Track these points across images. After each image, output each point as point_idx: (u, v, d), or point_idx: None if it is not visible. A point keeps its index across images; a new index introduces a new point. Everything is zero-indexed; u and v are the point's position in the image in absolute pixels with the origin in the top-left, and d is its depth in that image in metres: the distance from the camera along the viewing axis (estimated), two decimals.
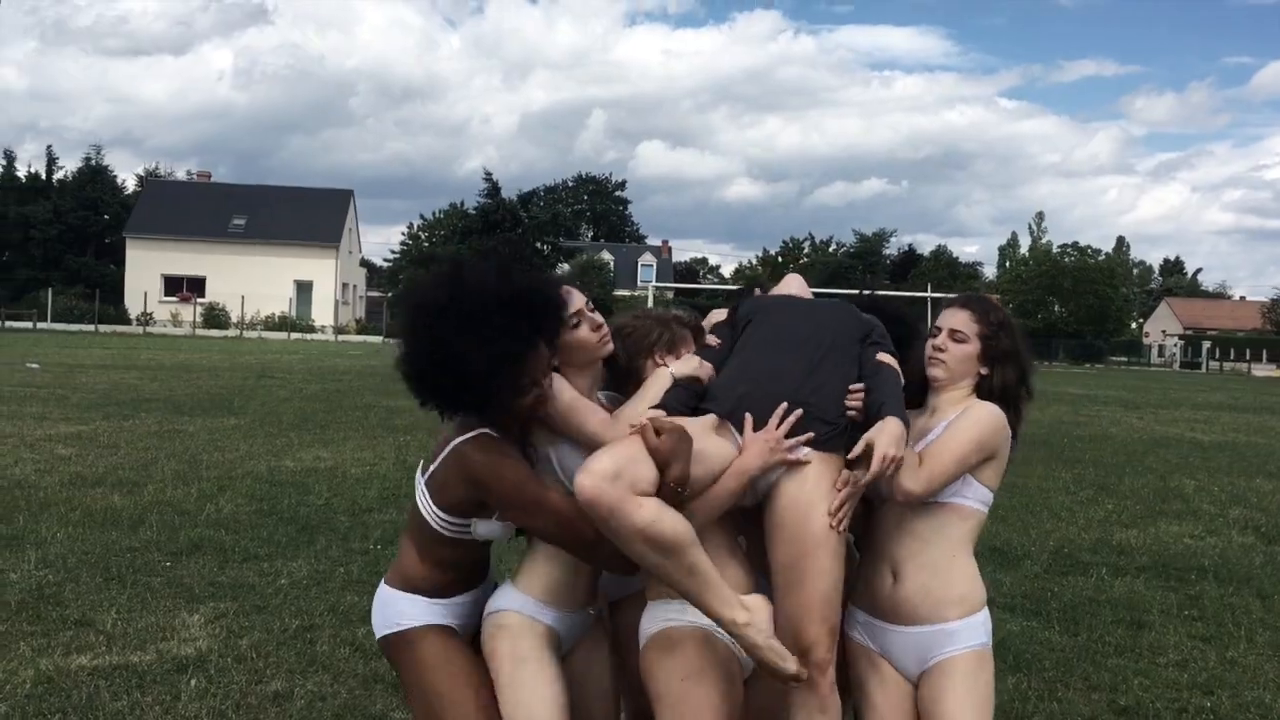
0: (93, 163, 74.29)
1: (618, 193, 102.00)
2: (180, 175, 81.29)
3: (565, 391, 2.88)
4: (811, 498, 2.71)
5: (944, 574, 2.90)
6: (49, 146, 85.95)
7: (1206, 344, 79.88)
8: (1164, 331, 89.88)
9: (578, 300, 2.95)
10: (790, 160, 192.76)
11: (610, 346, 3.01)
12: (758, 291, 3.39)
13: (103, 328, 55.72)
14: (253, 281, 63.72)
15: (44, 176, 73.36)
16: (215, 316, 62.81)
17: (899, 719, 2.92)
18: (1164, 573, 7.88)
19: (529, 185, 69.53)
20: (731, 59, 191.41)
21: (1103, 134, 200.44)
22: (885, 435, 2.69)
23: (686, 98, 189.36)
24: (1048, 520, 9.82)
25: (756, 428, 2.77)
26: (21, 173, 73.13)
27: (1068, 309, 78.94)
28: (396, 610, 2.96)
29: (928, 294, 39.67)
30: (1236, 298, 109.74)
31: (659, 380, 2.93)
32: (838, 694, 2.75)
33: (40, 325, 54.80)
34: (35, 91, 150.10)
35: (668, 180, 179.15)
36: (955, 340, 2.98)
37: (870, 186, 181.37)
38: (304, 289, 66.82)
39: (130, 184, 77.28)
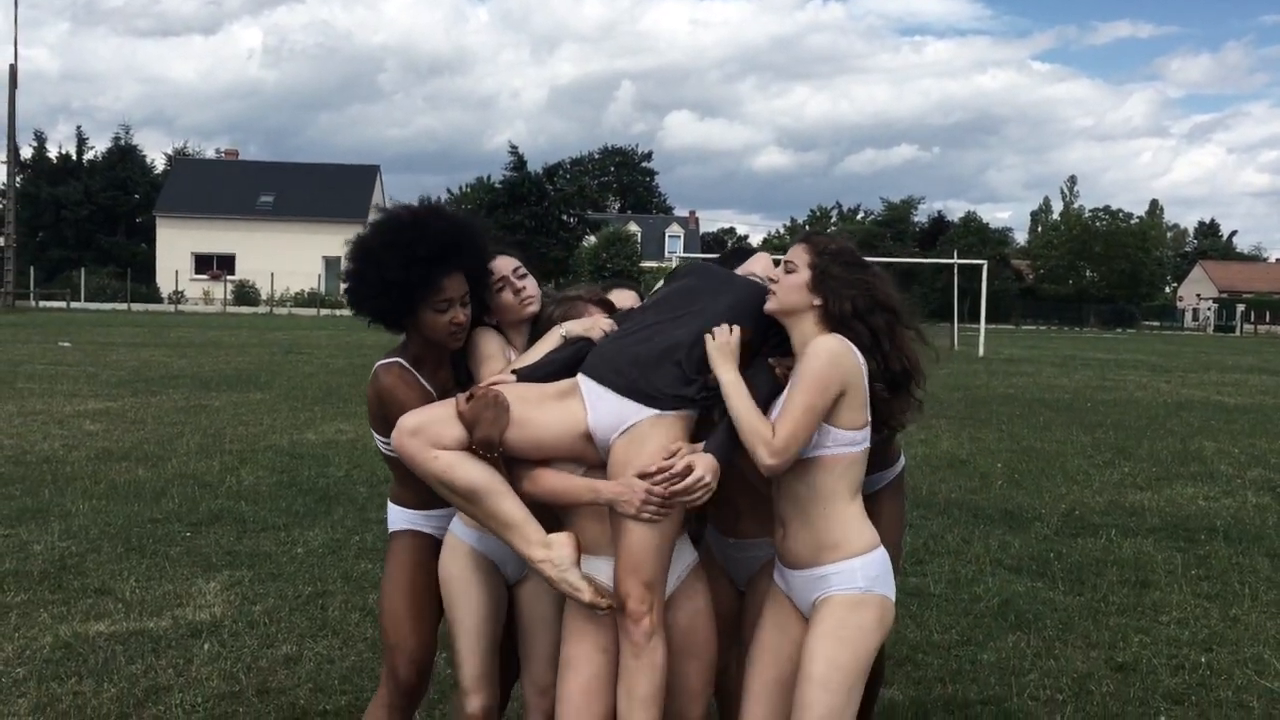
0: (122, 143, 74.89)
1: (644, 164, 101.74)
2: (209, 154, 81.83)
3: (487, 345, 3.25)
4: (632, 460, 2.83)
5: (819, 525, 2.91)
6: (79, 127, 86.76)
7: (1241, 307, 78.98)
8: (1198, 295, 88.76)
9: (506, 266, 3.35)
10: (819, 129, 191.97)
11: (533, 308, 3.37)
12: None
13: (135, 306, 56.35)
14: (281, 258, 64.14)
15: (74, 157, 74.00)
16: (246, 294, 63.31)
17: (776, 638, 3.02)
18: (1174, 534, 7.89)
19: (558, 159, 69.41)
20: (760, 27, 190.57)
21: (1137, 96, 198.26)
22: (701, 462, 2.82)
23: (714, 68, 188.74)
24: (1062, 484, 9.84)
25: (605, 379, 2.90)
26: (52, 154, 73.82)
27: (1099, 274, 78.17)
28: (389, 517, 3.45)
29: (954, 260, 39.35)
30: (1272, 260, 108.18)
31: (547, 340, 3.15)
32: (659, 643, 2.86)
33: (74, 305, 55.44)
34: (67, 73, 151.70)
35: (696, 151, 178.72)
36: (787, 271, 2.96)
37: (900, 153, 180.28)
38: (332, 265, 67.00)
39: (159, 163, 77.88)
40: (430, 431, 2.84)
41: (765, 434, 2.80)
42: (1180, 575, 6.75)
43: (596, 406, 2.88)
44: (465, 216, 3.33)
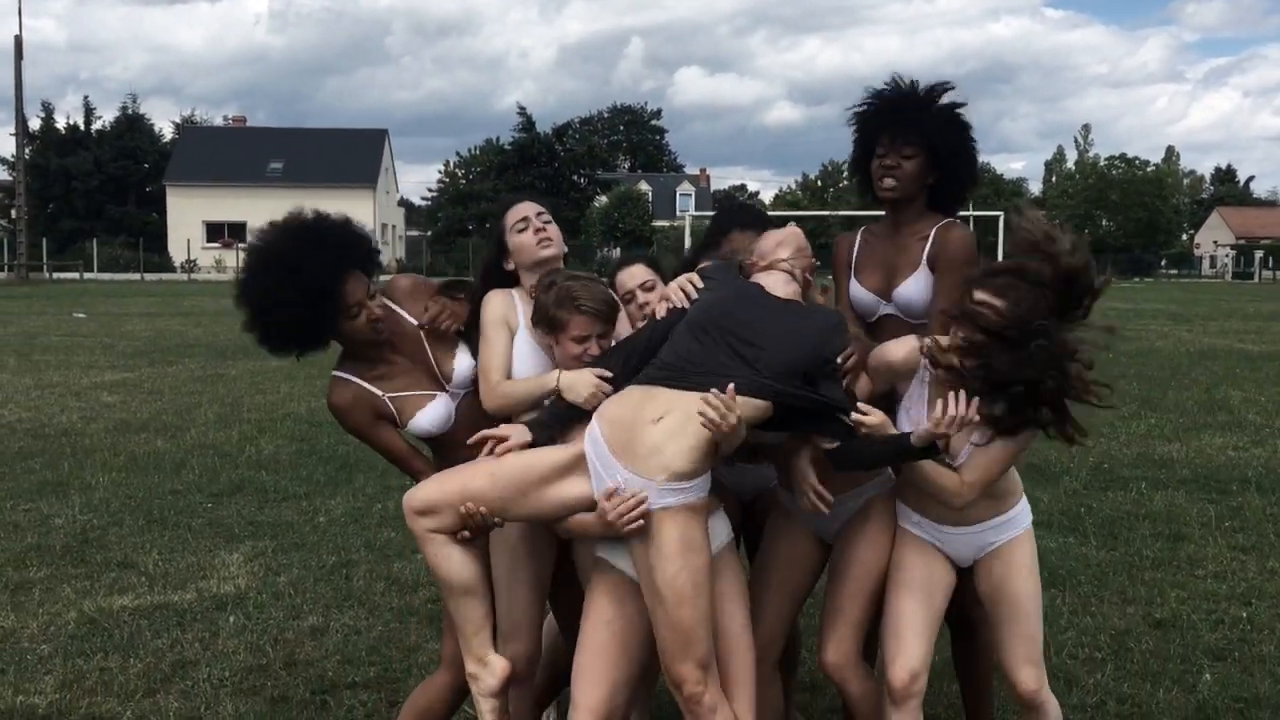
0: (130, 112, 74.62)
1: (653, 122, 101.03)
2: (217, 121, 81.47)
3: (490, 313, 3.28)
4: (655, 564, 2.82)
5: (994, 490, 3.17)
6: (86, 97, 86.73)
7: (1259, 254, 78.14)
8: (1215, 242, 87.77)
9: (529, 209, 3.36)
10: (831, 82, 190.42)
11: (550, 250, 3.33)
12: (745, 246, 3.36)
13: (148, 276, 56.29)
14: None
15: (83, 127, 73.78)
16: None
17: (924, 583, 3.21)
18: (1205, 485, 7.78)
19: (567, 118, 68.86)
20: None
21: (1152, 41, 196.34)
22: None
23: (724, 22, 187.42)
24: (1088, 436, 9.69)
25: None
26: (61, 124, 73.59)
27: (1115, 223, 77.44)
28: None
29: (970, 213, 39.03)
30: None
31: (543, 380, 3.14)
32: (725, 711, 2.89)
33: (87, 276, 55.42)
34: (74, 43, 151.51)
35: (706, 107, 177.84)
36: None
37: None
38: None
39: (168, 132, 77.62)
40: (435, 519, 2.92)
41: (952, 486, 3.05)
42: (1214, 528, 6.65)
43: (604, 482, 2.86)
44: (318, 219, 3.22)
